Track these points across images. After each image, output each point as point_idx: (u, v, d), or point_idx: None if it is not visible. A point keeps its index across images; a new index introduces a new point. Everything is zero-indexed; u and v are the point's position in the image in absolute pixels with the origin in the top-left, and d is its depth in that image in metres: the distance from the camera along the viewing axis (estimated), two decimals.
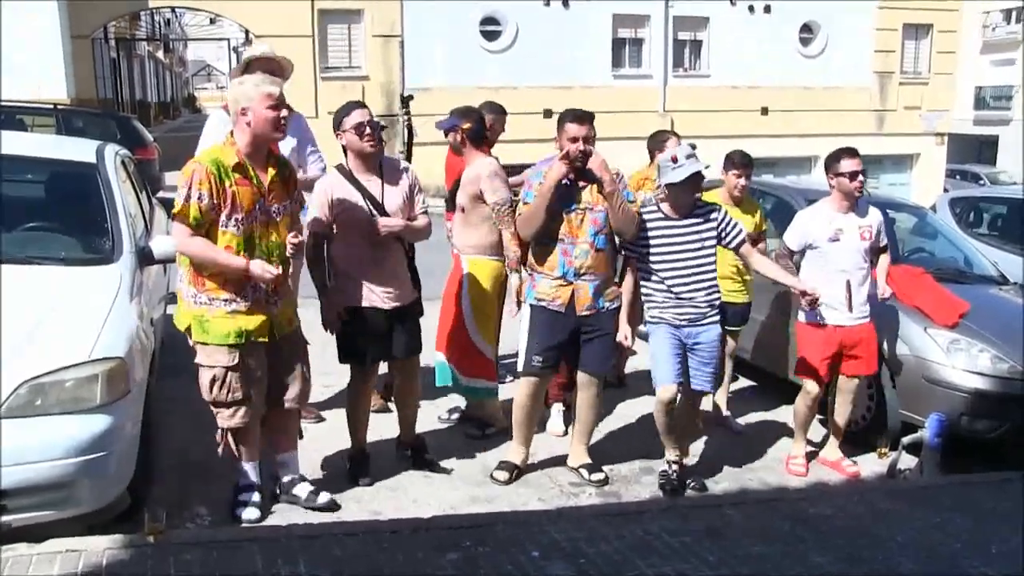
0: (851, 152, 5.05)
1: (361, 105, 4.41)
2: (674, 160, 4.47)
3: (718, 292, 4.69)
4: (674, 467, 4.80)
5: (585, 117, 4.47)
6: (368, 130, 4.31)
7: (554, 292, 4.55)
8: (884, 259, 5.32)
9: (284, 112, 3.87)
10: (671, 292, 4.57)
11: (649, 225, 4.58)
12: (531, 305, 4.64)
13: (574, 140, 4.40)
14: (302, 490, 4.25)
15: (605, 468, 5.01)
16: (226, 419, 3.96)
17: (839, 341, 5.06)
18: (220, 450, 4.05)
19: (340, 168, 4.46)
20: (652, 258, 4.59)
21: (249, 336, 3.88)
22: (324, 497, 4.25)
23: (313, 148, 5.19)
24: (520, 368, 4.71)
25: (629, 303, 4.67)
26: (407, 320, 4.57)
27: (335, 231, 4.41)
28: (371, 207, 4.35)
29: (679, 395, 4.68)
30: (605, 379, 6.40)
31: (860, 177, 4.98)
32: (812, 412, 5.26)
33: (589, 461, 4.90)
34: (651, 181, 6.08)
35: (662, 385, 4.62)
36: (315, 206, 4.38)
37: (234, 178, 3.80)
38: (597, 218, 4.53)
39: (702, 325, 4.61)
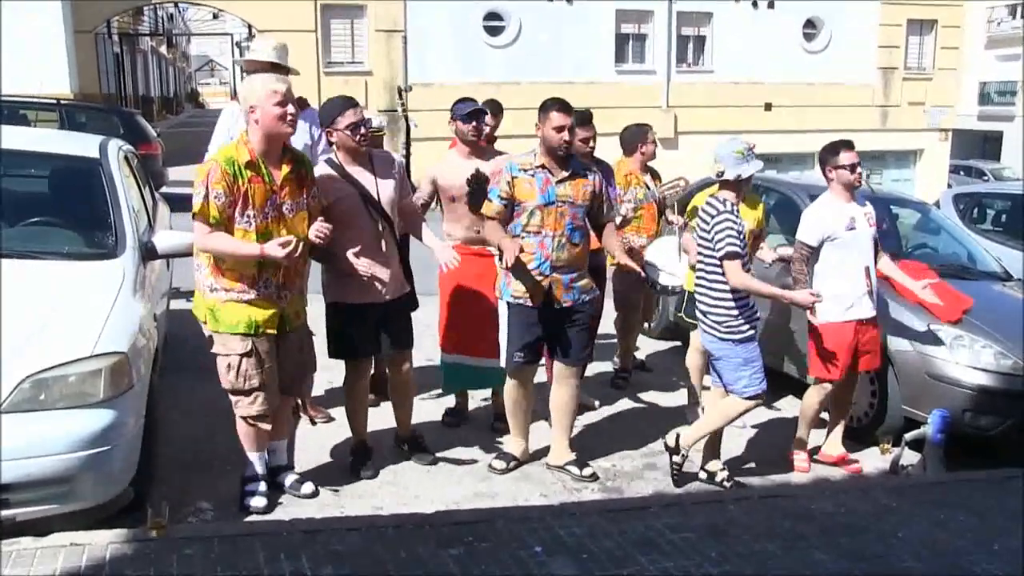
0: (848, 145, 5.05)
1: (353, 103, 4.39)
2: (750, 149, 4.50)
3: None
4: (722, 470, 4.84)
5: (570, 108, 4.49)
6: (363, 130, 4.35)
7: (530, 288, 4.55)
8: (885, 259, 5.28)
9: (291, 108, 3.91)
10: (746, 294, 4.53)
11: (740, 224, 4.49)
12: (508, 303, 4.62)
13: (559, 129, 4.42)
14: (288, 478, 4.37)
15: (607, 464, 5.02)
16: (246, 407, 4.03)
17: (858, 336, 5.05)
18: (243, 439, 4.13)
19: (330, 162, 4.46)
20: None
21: (259, 327, 3.95)
22: (308, 487, 4.36)
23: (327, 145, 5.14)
24: (505, 366, 4.72)
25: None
26: (399, 314, 4.61)
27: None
28: (363, 200, 4.37)
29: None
30: (614, 379, 6.47)
31: (858, 169, 5.00)
32: (822, 409, 5.25)
33: (574, 457, 4.87)
34: (636, 176, 6.08)
35: (760, 391, 4.58)
36: None
37: (247, 176, 3.86)
38: (576, 212, 4.55)
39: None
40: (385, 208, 4.42)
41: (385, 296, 4.47)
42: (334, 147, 4.45)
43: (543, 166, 4.53)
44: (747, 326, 4.54)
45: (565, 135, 4.45)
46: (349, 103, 4.37)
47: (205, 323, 4.02)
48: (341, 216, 4.32)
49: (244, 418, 4.07)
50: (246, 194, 3.85)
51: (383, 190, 4.43)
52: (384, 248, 4.45)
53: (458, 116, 5.02)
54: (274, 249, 3.77)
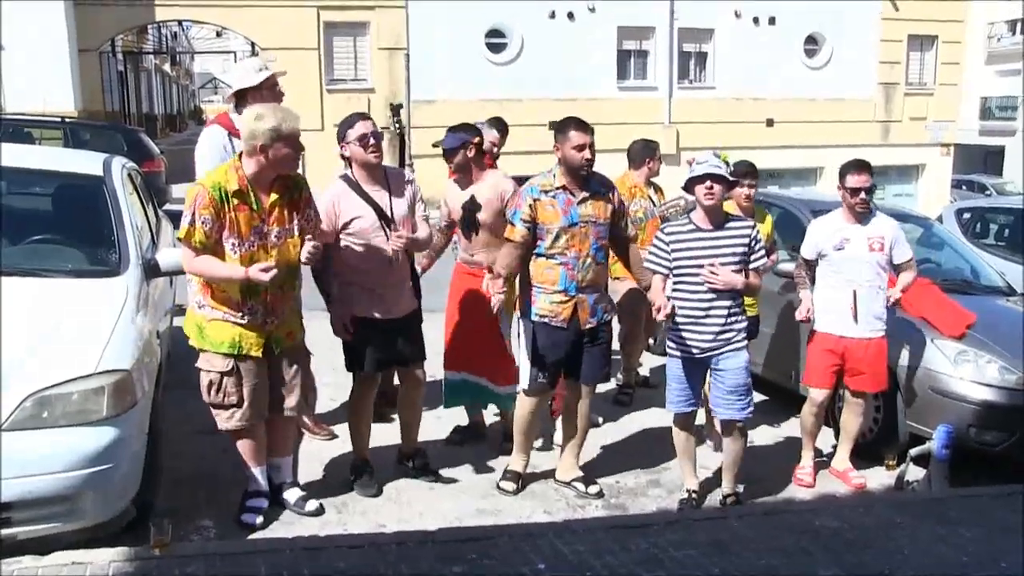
0: (860, 167, 5.01)
1: (364, 116, 4.43)
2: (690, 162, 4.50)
3: (740, 313, 4.54)
4: (693, 495, 4.76)
5: (588, 126, 4.46)
6: (372, 141, 4.34)
7: (556, 308, 4.49)
8: (905, 275, 5.16)
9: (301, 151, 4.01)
10: (688, 311, 4.43)
11: (678, 237, 4.47)
12: (533, 322, 4.57)
13: (580, 148, 4.38)
14: (292, 495, 4.35)
15: (611, 480, 5.00)
16: (224, 421, 4.09)
17: (843, 352, 5.05)
18: (241, 452, 4.18)
19: (346, 178, 4.45)
20: (675, 273, 4.48)
21: (242, 348, 3.97)
22: (312, 504, 4.34)
23: None
24: (525, 386, 4.67)
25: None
26: (410, 328, 4.61)
27: (340, 241, 4.39)
28: (379, 218, 4.37)
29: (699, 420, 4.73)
30: (617, 395, 6.46)
31: (861, 195, 4.98)
32: (818, 421, 5.24)
33: (581, 474, 4.86)
34: (640, 189, 6.15)
35: (670, 411, 4.68)
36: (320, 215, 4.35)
37: (233, 203, 3.86)
38: (600, 231, 4.52)
39: (725, 352, 4.49)
40: (399, 227, 4.41)
41: (393, 314, 4.47)
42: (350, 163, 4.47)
43: (564, 187, 4.47)
44: (676, 345, 4.54)
45: (586, 153, 4.39)
46: (358, 116, 4.42)
47: (191, 338, 4.06)
48: (357, 233, 4.34)
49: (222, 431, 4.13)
50: (231, 221, 3.85)
51: (397, 208, 4.43)
52: (396, 266, 4.45)
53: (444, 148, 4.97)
54: (257, 274, 3.77)
